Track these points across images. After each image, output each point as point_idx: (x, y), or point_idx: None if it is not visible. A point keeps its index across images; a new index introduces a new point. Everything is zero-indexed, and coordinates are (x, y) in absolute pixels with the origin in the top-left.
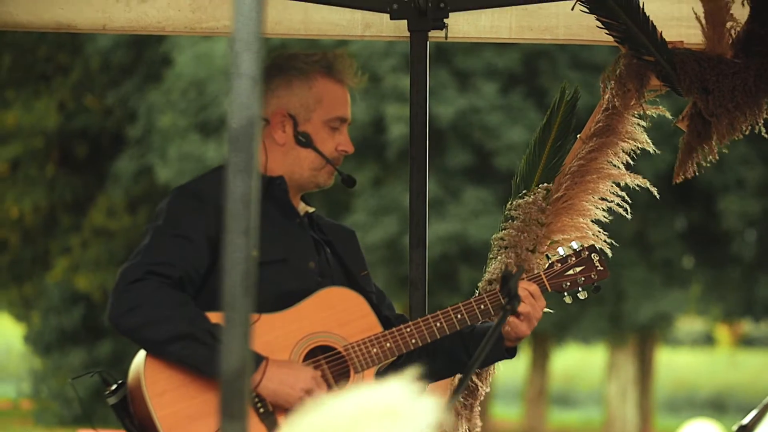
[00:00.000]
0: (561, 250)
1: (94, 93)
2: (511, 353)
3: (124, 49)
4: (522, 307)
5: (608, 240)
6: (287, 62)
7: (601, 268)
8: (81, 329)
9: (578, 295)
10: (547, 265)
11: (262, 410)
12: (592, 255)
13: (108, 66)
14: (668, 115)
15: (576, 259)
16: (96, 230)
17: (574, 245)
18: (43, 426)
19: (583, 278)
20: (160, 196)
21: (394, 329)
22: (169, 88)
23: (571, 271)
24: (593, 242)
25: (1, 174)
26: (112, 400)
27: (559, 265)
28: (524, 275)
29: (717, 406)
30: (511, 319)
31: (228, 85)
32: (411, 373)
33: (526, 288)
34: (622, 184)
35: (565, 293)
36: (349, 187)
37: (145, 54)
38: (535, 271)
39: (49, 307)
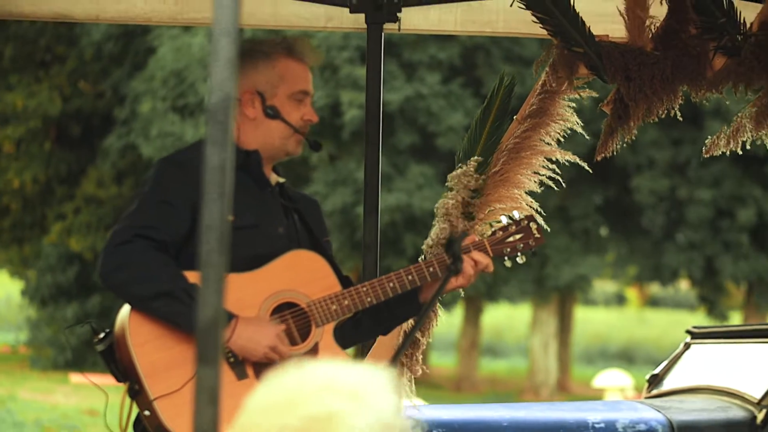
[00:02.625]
0: (503, 219)
1: (88, 79)
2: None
3: (114, 41)
4: (466, 269)
5: (539, 209)
6: (253, 47)
7: (538, 236)
8: (73, 285)
9: (517, 259)
10: (490, 233)
11: (232, 360)
12: (531, 224)
13: (100, 56)
14: (595, 95)
15: (516, 227)
16: (87, 199)
17: (515, 215)
18: (39, 370)
19: (522, 245)
20: (143, 170)
21: (351, 288)
22: (152, 75)
23: (511, 238)
24: (531, 213)
25: (7, 151)
26: (100, 348)
27: (501, 232)
28: (470, 242)
29: (627, 357)
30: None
31: (208, 67)
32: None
33: (472, 257)
34: (553, 160)
35: (506, 258)
36: (316, 151)
37: (132, 46)
38: (478, 238)
39: (45, 265)
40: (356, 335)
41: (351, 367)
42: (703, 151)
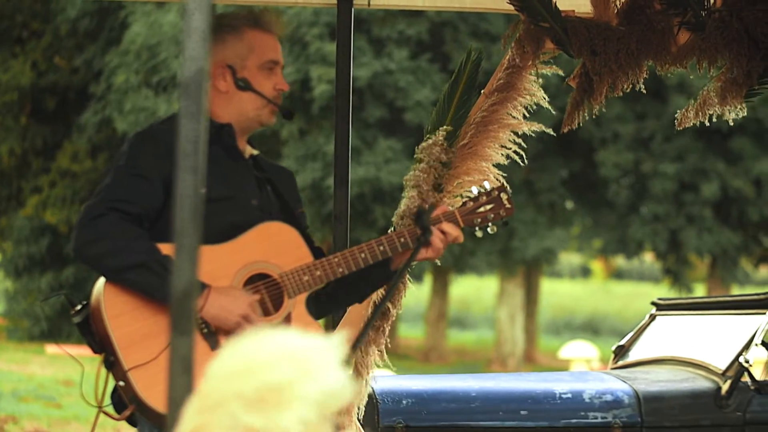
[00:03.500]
0: (474, 190)
1: (63, 54)
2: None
3: (89, 17)
4: (435, 242)
5: (505, 182)
6: (219, 21)
7: (509, 206)
8: (48, 257)
9: (488, 229)
10: (461, 203)
11: (205, 330)
12: (501, 194)
13: (75, 32)
14: (561, 72)
15: (487, 198)
16: (62, 172)
17: (486, 185)
18: (15, 341)
19: (492, 215)
20: (118, 144)
21: (323, 259)
22: (126, 50)
23: (482, 209)
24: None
25: None
26: (76, 319)
27: (472, 203)
28: (441, 212)
29: (592, 329)
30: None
31: (180, 43)
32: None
33: (442, 228)
34: (520, 133)
35: (477, 228)
36: (289, 120)
37: (106, 22)
38: (450, 209)
39: (20, 237)
40: (327, 304)
41: (304, 338)
42: (676, 124)
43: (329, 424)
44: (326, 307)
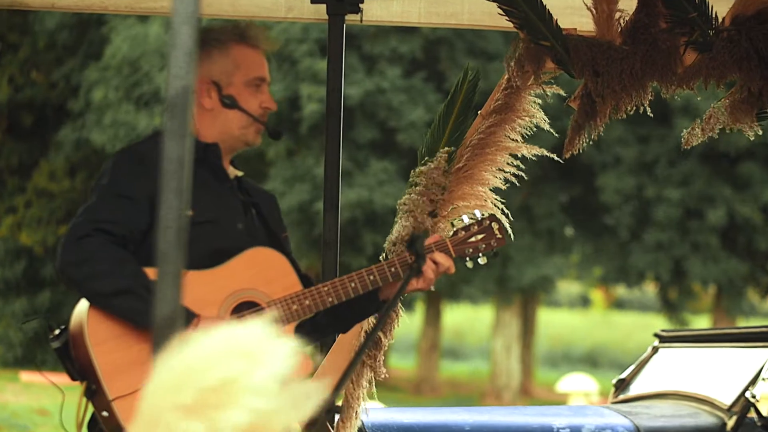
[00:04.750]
0: (465, 218)
1: (41, 69)
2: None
3: (68, 30)
4: (427, 272)
5: (503, 208)
6: (205, 36)
7: (500, 236)
8: (23, 280)
9: (479, 260)
10: (452, 233)
11: None
12: (493, 224)
13: (54, 45)
14: (562, 92)
15: (478, 227)
16: (39, 192)
17: (477, 214)
18: None
19: (483, 245)
20: (97, 163)
21: (312, 288)
22: (107, 65)
23: (473, 239)
24: (493, 212)
25: None
26: (55, 344)
27: (463, 232)
28: (433, 242)
29: (591, 361)
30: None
31: (165, 57)
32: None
33: (434, 258)
34: (518, 156)
35: (467, 258)
36: (276, 140)
37: (86, 35)
38: (441, 238)
39: None
40: (315, 332)
41: (242, 329)
42: (682, 143)
43: (290, 409)
44: (313, 334)
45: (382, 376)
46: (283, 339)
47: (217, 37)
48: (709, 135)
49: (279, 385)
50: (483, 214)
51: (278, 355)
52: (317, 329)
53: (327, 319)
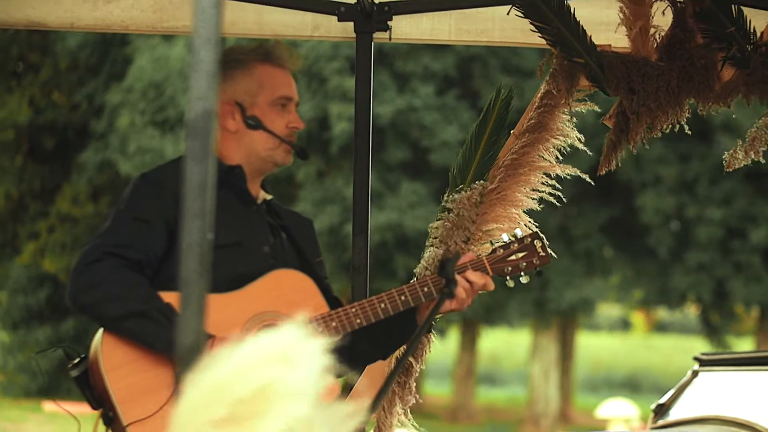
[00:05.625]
0: (505, 236)
1: (62, 90)
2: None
3: (90, 49)
4: (459, 293)
5: (538, 231)
6: (227, 56)
7: (543, 254)
8: (46, 308)
9: (520, 279)
10: (490, 251)
11: None
12: (535, 241)
13: (75, 65)
14: (597, 108)
15: (519, 245)
16: (62, 217)
17: (518, 232)
18: (10, 397)
19: (525, 263)
20: (121, 187)
21: (339, 309)
22: (130, 87)
23: (513, 257)
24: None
25: None
26: (74, 373)
27: (502, 250)
28: (467, 260)
29: (632, 386)
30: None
31: (188, 78)
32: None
33: (466, 277)
34: (553, 176)
35: (508, 277)
36: (303, 159)
37: (109, 55)
38: (477, 256)
39: (17, 287)
40: (351, 360)
41: (272, 334)
42: (724, 165)
43: (329, 413)
44: (349, 362)
45: (410, 403)
46: (314, 338)
47: (240, 57)
48: (753, 159)
49: (316, 390)
50: (524, 233)
51: (312, 356)
52: (353, 355)
53: (363, 344)
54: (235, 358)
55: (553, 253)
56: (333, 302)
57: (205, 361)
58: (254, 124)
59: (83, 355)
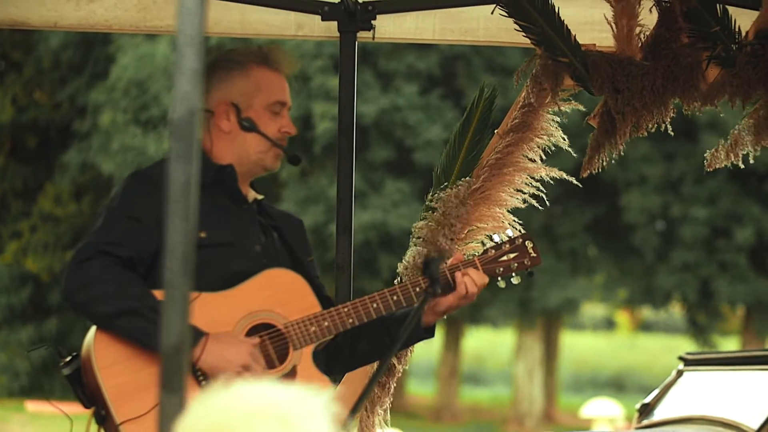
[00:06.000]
0: (496, 237)
1: (45, 89)
2: (430, 333)
3: (73, 48)
4: (470, 287)
5: (521, 230)
6: (226, 57)
7: (535, 255)
8: (29, 307)
9: (512, 280)
10: (481, 251)
11: (203, 380)
12: (526, 242)
13: (58, 64)
14: (582, 108)
15: (510, 246)
16: (44, 216)
17: (509, 233)
18: None
19: (516, 264)
20: (104, 186)
21: (332, 309)
22: (113, 86)
23: (504, 258)
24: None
25: None
26: (66, 371)
27: (493, 251)
28: (458, 261)
29: (617, 385)
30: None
31: (172, 77)
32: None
33: (473, 277)
34: (537, 177)
35: (499, 278)
36: (295, 165)
37: (92, 54)
38: (466, 257)
39: None
40: (352, 360)
41: (281, 389)
42: (705, 165)
43: None
44: (350, 362)
45: (385, 405)
46: (315, 399)
47: (239, 58)
48: (733, 160)
49: None
50: (515, 233)
51: (316, 425)
52: (354, 356)
53: (364, 345)
54: (231, 407)
55: (539, 255)
56: (325, 301)
57: (197, 402)
58: (248, 126)
59: (75, 354)
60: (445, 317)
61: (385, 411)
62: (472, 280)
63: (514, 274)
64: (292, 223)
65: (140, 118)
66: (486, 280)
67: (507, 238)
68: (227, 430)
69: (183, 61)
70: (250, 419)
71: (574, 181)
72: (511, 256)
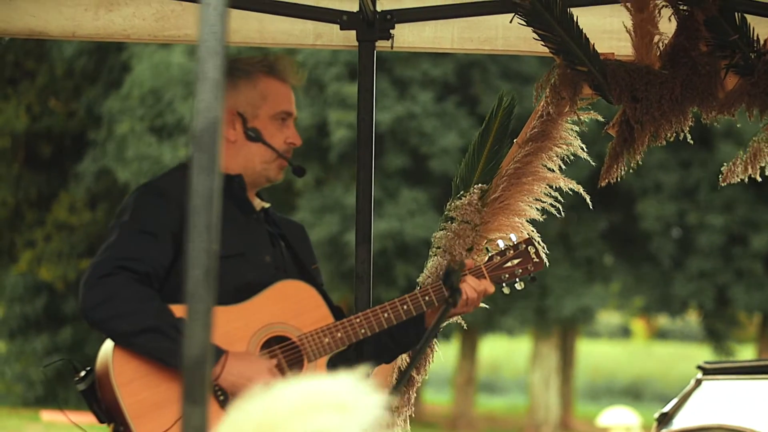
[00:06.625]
0: (500, 243)
1: (59, 97)
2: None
3: (87, 56)
4: (470, 294)
5: (539, 240)
6: (232, 66)
7: (537, 260)
8: (43, 316)
9: (516, 285)
10: (487, 258)
11: (222, 398)
12: (529, 248)
13: (72, 72)
14: (600, 118)
15: (514, 252)
16: (59, 225)
17: (513, 238)
18: (8, 407)
19: (520, 270)
20: (118, 195)
21: (344, 320)
22: (128, 94)
23: (509, 263)
24: (529, 236)
25: None
26: (81, 387)
27: (498, 258)
28: (467, 268)
29: (633, 394)
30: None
31: (188, 85)
32: (361, 368)
33: (471, 284)
34: (555, 187)
35: (504, 284)
36: (299, 177)
37: (106, 62)
38: (475, 264)
39: (14, 296)
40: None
41: (326, 380)
42: (720, 179)
43: None
44: (350, 364)
45: (405, 415)
46: (373, 392)
47: (245, 68)
48: (751, 173)
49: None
50: (518, 239)
51: (369, 409)
52: (359, 361)
53: (369, 349)
54: (288, 398)
55: (545, 260)
56: (334, 311)
57: (250, 396)
58: (254, 136)
59: (89, 368)
60: (465, 326)
61: (404, 422)
62: (471, 287)
63: (518, 280)
64: (296, 229)
65: (155, 126)
66: (489, 287)
67: (511, 244)
68: (283, 425)
69: (205, 72)
70: (301, 416)
71: (584, 194)
72: (515, 262)
